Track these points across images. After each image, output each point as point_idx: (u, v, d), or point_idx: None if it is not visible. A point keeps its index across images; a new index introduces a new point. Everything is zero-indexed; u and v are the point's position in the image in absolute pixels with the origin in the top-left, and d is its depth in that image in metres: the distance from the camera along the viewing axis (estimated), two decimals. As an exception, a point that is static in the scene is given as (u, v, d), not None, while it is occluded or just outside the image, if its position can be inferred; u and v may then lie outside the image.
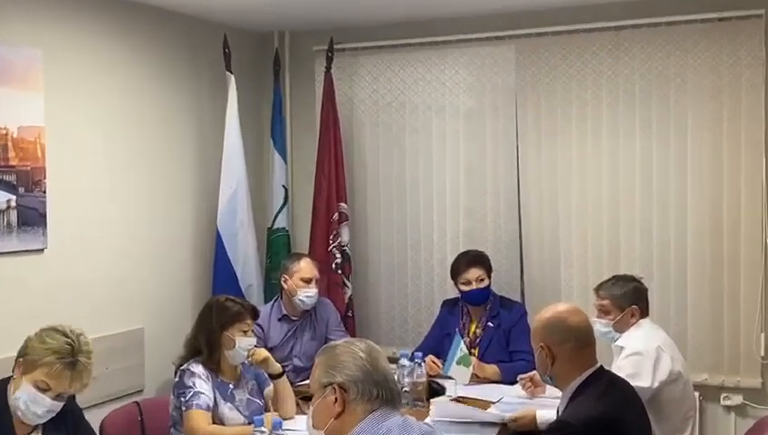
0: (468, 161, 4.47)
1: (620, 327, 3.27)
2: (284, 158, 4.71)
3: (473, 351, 3.91)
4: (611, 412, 2.29)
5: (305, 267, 3.93)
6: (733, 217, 3.95)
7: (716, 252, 3.99)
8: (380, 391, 1.95)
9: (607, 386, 2.40)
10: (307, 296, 3.89)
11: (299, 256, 4.04)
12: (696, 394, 3.84)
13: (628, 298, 3.26)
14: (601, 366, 2.47)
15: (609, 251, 4.18)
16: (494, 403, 3.38)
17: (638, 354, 3.08)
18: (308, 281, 3.90)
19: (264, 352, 3.16)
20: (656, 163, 4.08)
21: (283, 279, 3.95)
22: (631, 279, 3.34)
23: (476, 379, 3.73)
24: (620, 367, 3.02)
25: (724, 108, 3.94)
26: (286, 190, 4.70)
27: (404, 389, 3.34)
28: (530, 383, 3.43)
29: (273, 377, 3.17)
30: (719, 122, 3.95)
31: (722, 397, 4.06)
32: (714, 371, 4.02)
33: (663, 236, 4.08)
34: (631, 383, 2.84)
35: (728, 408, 4.07)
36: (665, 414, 3.08)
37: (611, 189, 4.17)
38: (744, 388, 4.01)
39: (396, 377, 3.31)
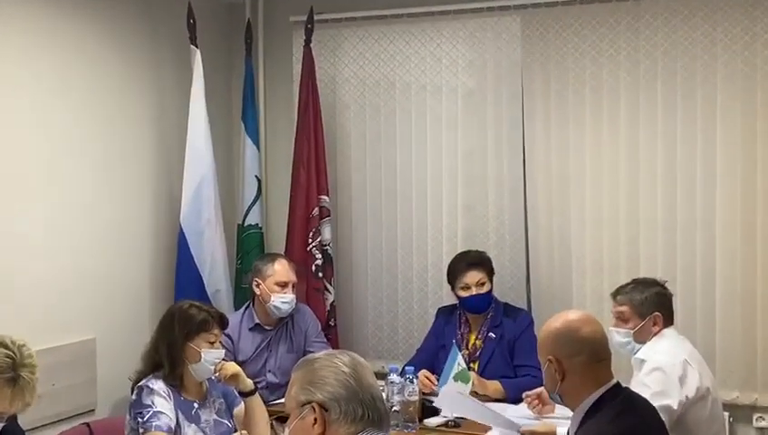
0: (467, 150, 4.48)
1: (641, 337, 3.29)
2: (257, 144, 4.71)
3: (472, 365, 3.94)
4: (628, 433, 2.31)
5: (280, 270, 3.93)
6: (766, 219, 3.97)
7: (749, 253, 4.01)
8: (366, 411, 1.96)
9: (624, 406, 2.42)
10: (283, 303, 3.90)
11: (273, 257, 4.04)
12: (726, 414, 3.86)
13: (650, 304, 3.28)
14: (618, 383, 2.48)
15: (628, 252, 4.20)
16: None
17: (660, 370, 3.10)
18: (284, 285, 3.90)
19: (233, 367, 3.16)
20: (680, 152, 4.10)
21: (254, 283, 3.95)
22: (653, 283, 3.37)
23: (476, 397, 3.73)
24: (644, 384, 3.04)
25: (759, 88, 3.96)
26: (259, 182, 4.69)
27: (393, 408, 3.36)
28: (537, 401, 3.45)
29: (244, 395, 3.18)
30: (753, 105, 3.97)
31: (755, 418, 4.08)
32: (745, 388, 4.04)
33: (689, 236, 4.10)
34: (657, 404, 2.86)
35: (762, 430, 4.10)
36: (691, 432, 3.11)
37: (630, 182, 4.19)
38: (781, 407, 4.05)
39: (384, 395, 3.35)
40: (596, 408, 2.41)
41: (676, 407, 3.04)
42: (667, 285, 3.41)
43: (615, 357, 3.06)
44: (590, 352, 2.44)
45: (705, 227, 4.07)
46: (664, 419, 2.96)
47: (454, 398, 3.30)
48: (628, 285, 3.41)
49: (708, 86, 4.04)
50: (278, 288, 3.90)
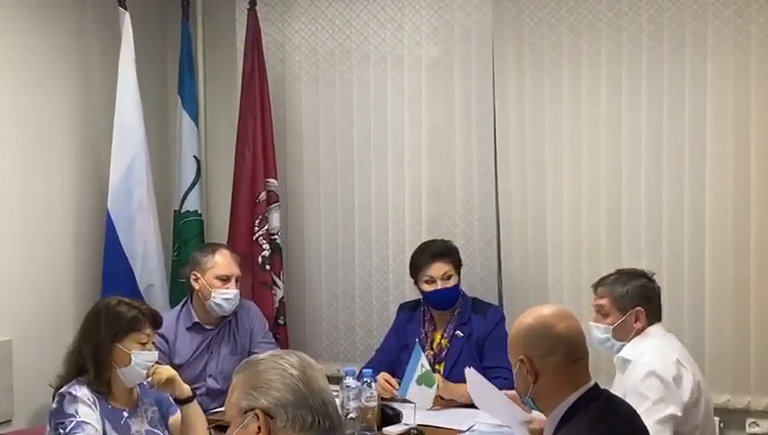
0: (432, 126, 4.49)
1: (621, 334, 3.32)
2: (196, 121, 4.68)
3: (437, 366, 3.95)
4: (608, 440, 2.33)
5: (222, 262, 3.91)
6: (763, 199, 4.03)
7: (742, 243, 4.06)
8: (317, 419, 1.95)
9: (603, 410, 2.43)
10: (224, 299, 3.88)
11: (214, 248, 4.02)
12: (716, 420, 3.91)
13: (632, 298, 3.31)
14: (596, 384, 2.50)
15: (609, 241, 4.23)
16: (463, 433, 3.41)
17: (655, 374, 3.11)
18: (226, 279, 3.89)
19: (168, 371, 3.15)
20: (667, 130, 4.13)
21: (193, 277, 3.93)
22: (639, 275, 3.40)
23: (442, 402, 3.76)
24: (640, 393, 3.05)
25: (753, 60, 4.00)
26: (198, 162, 4.67)
27: (349, 415, 3.37)
28: None
29: (181, 402, 3.17)
30: (746, 79, 4.01)
31: (748, 423, 4.14)
32: (737, 390, 4.10)
33: (675, 223, 4.14)
34: (660, 415, 2.93)
35: (755, 437, 4.18)
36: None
37: (612, 163, 4.22)
38: (776, 412, 4.12)
39: (339, 401, 3.37)
40: (572, 412, 2.42)
41: (681, 413, 3.07)
42: (654, 277, 3.44)
43: (595, 356, 3.09)
44: (565, 351, 2.45)
45: (694, 214, 4.12)
46: (668, 430, 3.01)
47: (482, 388, 3.32)
48: (610, 275, 3.43)
49: (697, 58, 4.07)
50: (219, 283, 3.88)
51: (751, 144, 4.03)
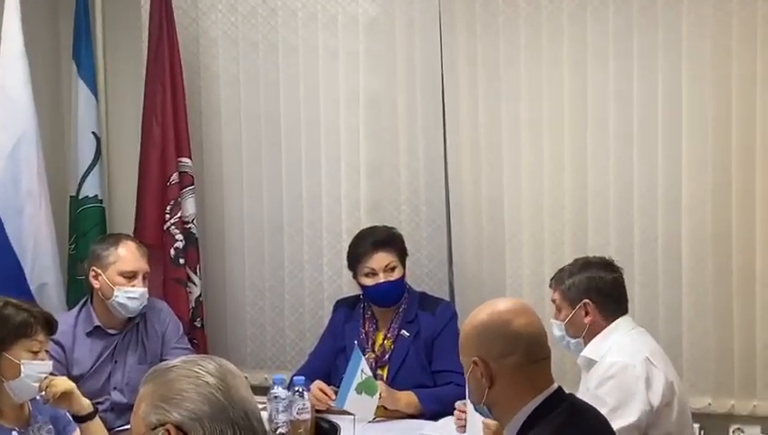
0: (371, 96, 4.50)
1: (573, 330, 3.40)
2: (95, 91, 4.65)
3: (380, 371, 3.97)
4: (572, 453, 2.36)
5: (126, 255, 3.89)
6: (745, 178, 4.09)
7: (723, 227, 4.13)
8: (238, 433, 1.95)
9: (568, 416, 2.46)
10: (129, 299, 3.86)
11: (117, 239, 3.99)
12: (696, 427, 3.98)
13: (579, 290, 3.39)
14: (560, 388, 2.52)
15: (574, 227, 4.29)
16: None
17: (615, 377, 3.17)
18: (131, 276, 3.86)
19: (64, 383, 3.13)
20: (638, 99, 4.18)
21: (92, 274, 3.90)
22: (594, 265, 3.45)
23: (385, 413, 3.77)
24: (597, 397, 3.09)
25: (735, 16, 4.05)
26: (98, 140, 4.63)
27: (278, 430, 3.38)
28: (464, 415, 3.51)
29: (80, 419, 3.15)
30: (726, 37, 4.06)
31: (731, 430, 4.23)
32: (720, 393, 4.19)
33: (648, 206, 4.21)
34: (618, 425, 2.94)
35: (739, 444, 4.27)
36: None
37: (577, 140, 4.26)
38: (763, 416, 4.19)
39: (267, 414, 3.38)
40: (533, 420, 2.44)
41: (646, 419, 3.13)
42: (616, 263, 3.49)
43: (559, 356, 3.14)
44: (524, 351, 2.47)
45: (670, 195, 4.18)
46: None
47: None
48: (567, 266, 3.51)
49: (671, 16, 4.11)
50: (123, 280, 3.85)
51: (732, 112, 4.08)
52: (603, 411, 2.94)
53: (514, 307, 2.56)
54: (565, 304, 3.41)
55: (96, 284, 3.89)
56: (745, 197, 4.10)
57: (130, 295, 3.86)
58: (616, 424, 3.02)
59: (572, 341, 3.41)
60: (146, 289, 3.92)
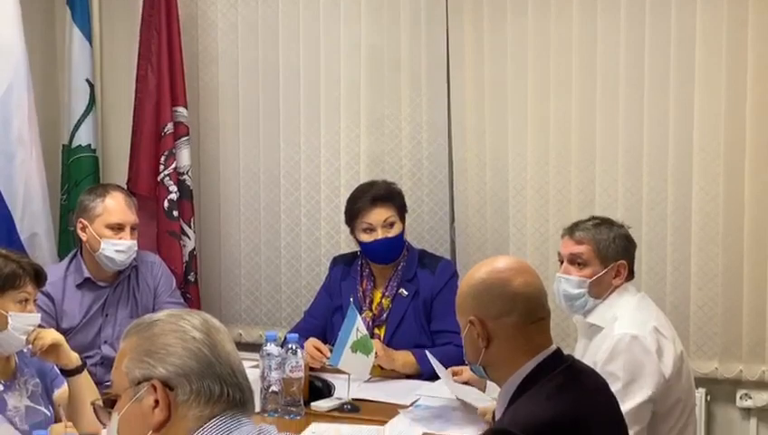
0: (373, 46, 4.48)
1: (597, 291, 3.34)
2: (89, 37, 4.64)
3: (377, 330, 3.99)
4: (569, 413, 2.35)
5: (113, 207, 3.89)
6: (760, 135, 4.05)
7: (735, 186, 4.10)
8: (225, 389, 1.95)
9: (565, 379, 2.45)
10: (117, 252, 3.86)
11: (104, 190, 3.99)
12: (701, 392, 4.00)
13: (618, 249, 3.34)
14: (558, 349, 2.52)
15: (581, 184, 4.27)
16: (406, 407, 3.45)
17: (628, 351, 3.14)
18: (118, 228, 3.87)
19: (52, 335, 3.13)
20: (649, 55, 4.15)
21: (80, 225, 3.91)
22: (618, 226, 3.42)
23: (381, 372, 3.80)
24: (610, 373, 3.06)
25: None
26: (92, 88, 4.64)
27: (271, 388, 3.38)
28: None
29: (68, 373, 3.15)
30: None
31: (739, 395, 4.22)
32: (727, 358, 4.17)
33: (658, 164, 4.18)
34: (635, 402, 3.02)
35: (747, 411, 4.25)
36: (660, 419, 3.21)
37: (586, 93, 4.23)
38: (772, 382, 4.21)
39: (259, 371, 3.39)
40: (530, 382, 2.45)
41: (655, 393, 3.12)
42: (627, 224, 3.49)
43: (562, 316, 3.12)
44: (523, 311, 2.47)
45: (680, 155, 4.15)
46: (644, 420, 3.10)
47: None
48: (587, 220, 3.45)
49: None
50: (110, 232, 3.85)
51: (748, 70, 4.04)
52: (616, 388, 2.96)
53: (513, 266, 2.55)
54: (596, 262, 3.33)
55: (83, 236, 3.90)
56: (759, 154, 4.06)
57: (117, 248, 3.86)
58: (631, 402, 3.06)
59: (593, 301, 3.34)
60: (134, 242, 3.92)
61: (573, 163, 4.28)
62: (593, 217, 3.49)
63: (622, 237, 3.37)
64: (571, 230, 3.41)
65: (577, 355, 3.12)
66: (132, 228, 3.91)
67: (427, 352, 3.61)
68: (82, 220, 3.90)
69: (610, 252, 3.33)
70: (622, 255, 3.35)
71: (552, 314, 2.57)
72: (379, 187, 4.11)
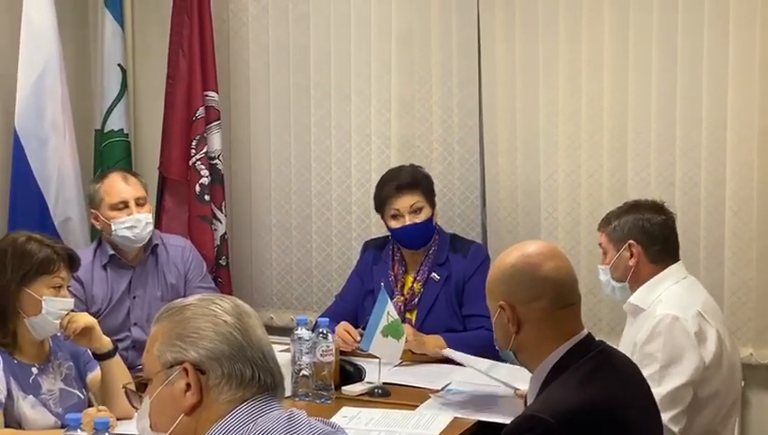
0: (404, 30, 4.47)
1: (618, 274, 3.39)
2: (121, 22, 4.66)
3: (408, 315, 4.00)
4: (600, 399, 2.36)
5: (110, 187, 3.90)
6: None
7: (769, 170, 4.10)
8: (256, 373, 1.96)
9: (596, 364, 2.45)
10: (128, 228, 3.86)
11: (102, 176, 4.06)
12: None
13: (624, 231, 3.37)
14: (589, 334, 2.53)
15: (613, 168, 4.25)
16: (437, 392, 3.47)
17: (667, 332, 3.13)
18: (122, 206, 3.87)
19: (85, 319, 3.16)
20: (682, 35, 4.11)
21: (92, 216, 3.96)
22: (645, 207, 3.43)
23: (412, 357, 3.81)
24: (648, 354, 3.08)
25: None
26: (124, 73, 4.66)
27: (302, 372, 3.40)
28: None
29: (101, 357, 3.19)
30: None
31: (773, 381, 4.23)
32: (761, 344, 4.15)
33: (691, 148, 4.15)
34: (670, 386, 3.00)
35: (786, 398, 4.25)
36: (695, 409, 3.18)
37: (618, 76, 4.21)
38: (811, 368, 4.18)
39: (290, 355, 3.41)
40: (561, 368, 2.45)
41: (694, 377, 3.11)
42: (667, 206, 3.49)
43: (594, 302, 3.13)
44: (553, 296, 2.47)
45: (714, 134, 4.11)
46: (681, 405, 3.08)
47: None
48: (614, 209, 3.51)
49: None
50: (116, 212, 3.86)
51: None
52: (652, 368, 2.97)
53: (544, 250, 2.55)
54: (611, 247, 3.40)
55: (97, 225, 3.94)
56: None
57: (128, 225, 3.86)
58: (668, 385, 3.06)
59: (617, 285, 3.39)
60: (145, 214, 3.91)
61: (605, 146, 4.26)
62: (624, 203, 3.52)
63: (630, 220, 3.38)
64: (600, 224, 3.51)
65: (623, 338, 3.13)
66: (139, 203, 3.88)
67: (445, 352, 3.66)
68: (93, 210, 3.94)
69: (617, 234, 3.39)
70: (630, 235, 3.36)
71: (582, 299, 2.56)
72: (404, 173, 4.10)
